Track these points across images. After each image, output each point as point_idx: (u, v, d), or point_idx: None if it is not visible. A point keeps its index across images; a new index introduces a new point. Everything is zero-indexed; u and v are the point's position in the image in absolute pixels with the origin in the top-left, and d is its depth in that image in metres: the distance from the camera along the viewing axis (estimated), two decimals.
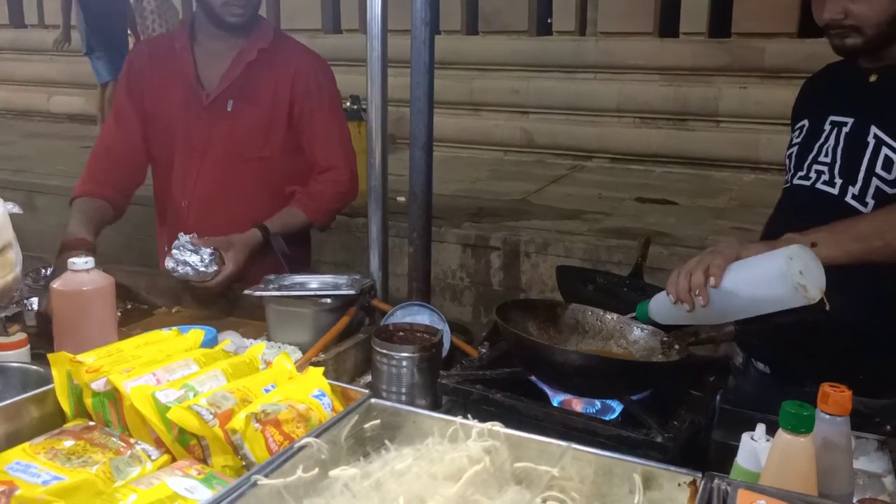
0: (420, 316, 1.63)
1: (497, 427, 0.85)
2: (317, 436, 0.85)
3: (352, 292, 1.61)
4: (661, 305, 1.43)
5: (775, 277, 1.21)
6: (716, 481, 0.77)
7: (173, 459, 0.94)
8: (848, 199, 1.51)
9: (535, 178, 5.95)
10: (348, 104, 4.45)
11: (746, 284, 1.26)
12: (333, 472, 0.80)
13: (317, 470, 0.81)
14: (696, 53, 6.44)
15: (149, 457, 0.90)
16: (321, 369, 1.04)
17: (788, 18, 6.18)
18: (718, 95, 6.32)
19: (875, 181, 1.49)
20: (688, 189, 5.65)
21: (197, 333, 1.15)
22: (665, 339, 1.47)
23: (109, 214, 2.03)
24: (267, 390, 0.98)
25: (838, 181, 1.53)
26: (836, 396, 1.02)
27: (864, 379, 1.51)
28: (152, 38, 2.09)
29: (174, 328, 1.20)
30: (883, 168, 1.48)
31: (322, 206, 2.01)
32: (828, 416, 1.02)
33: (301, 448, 0.83)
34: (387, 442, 0.89)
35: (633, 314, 1.51)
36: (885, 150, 1.47)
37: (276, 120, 1.99)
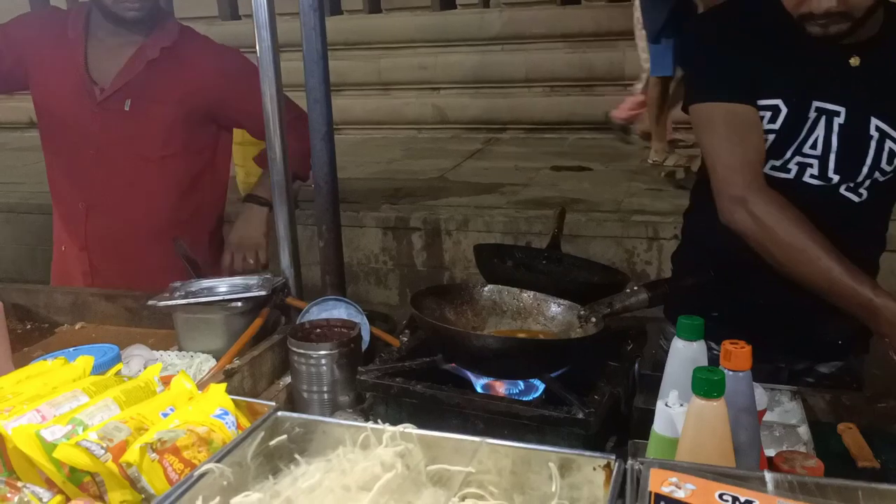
0: (336, 310, 1.60)
1: (409, 429, 0.83)
2: (220, 459, 0.81)
3: (263, 293, 1.56)
4: None
5: None
6: (629, 462, 0.78)
7: (67, 499, 0.87)
8: (841, 190, 1.45)
9: (451, 154, 5.93)
10: None
11: None
12: (235, 500, 0.76)
13: (218, 499, 0.77)
14: (597, 19, 6.51)
15: (40, 500, 0.83)
16: (223, 386, 0.99)
17: None
18: (623, 59, 6.42)
19: (876, 174, 1.43)
20: (600, 154, 5.74)
21: (86, 360, 1.08)
22: (582, 312, 1.48)
23: None
24: (165, 415, 0.93)
25: (833, 177, 1.44)
26: (737, 353, 1.06)
27: (825, 345, 1.56)
28: (44, 14, 1.95)
29: (60, 356, 1.13)
30: (886, 162, 1.41)
31: (296, 155, 1.88)
32: (731, 373, 1.06)
33: (202, 475, 0.79)
34: (297, 456, 0.86)
35: None
36: (888, 144, 1.39)
37: (182, 119, 1.91)
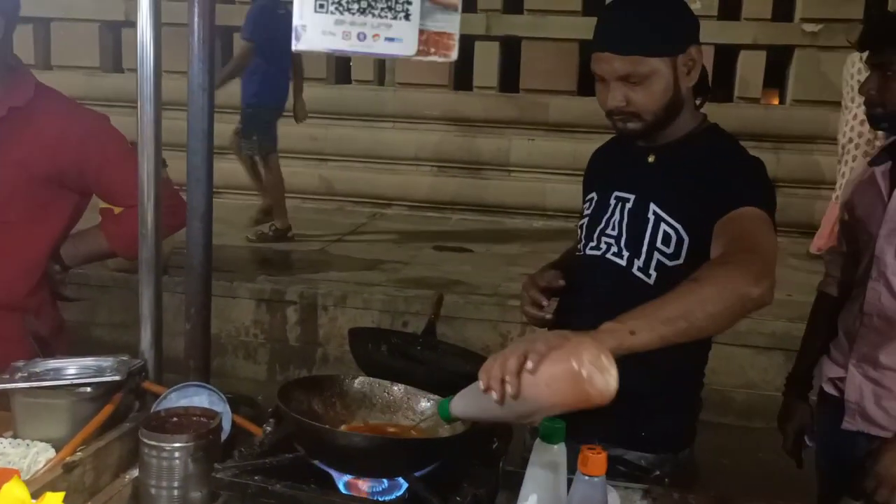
0: (198, 397, 1.52)
1: None
2: None
3: (117, 377, 1.46)
4: (467, 400, 1.27)
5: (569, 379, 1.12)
6: None
7: None
8: (634, 270, 1.61)
9: (334, 226, 5.92)
10: None
11: (549, 381, 1.12)
12: None
13: None
14: (487, 107, 6.79)
15: None
16: (60, 496, 0.91)
17: (569, 78, 6.71)
18: (509, 146, 6.69)
19: (656, 255, 1.59)
20: (482, 236, 5.89)
21: None
22: None
23: None
24: None
25: (625, 253, 1.63)
26: (593, 459, 1.10)
27: (645, 436, 1.64)
28: None
29: None
30: (662, 243, 1.59)
31: (131, 232, 1.80)
32: (586, 478, 1.10)
33: None
34: None
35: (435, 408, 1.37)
36: (663, 226, 1.58)
37: (25, 183, 1.78)
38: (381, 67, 7.09)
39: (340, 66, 7.28)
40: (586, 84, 6.70)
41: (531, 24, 6.76)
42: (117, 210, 1.92)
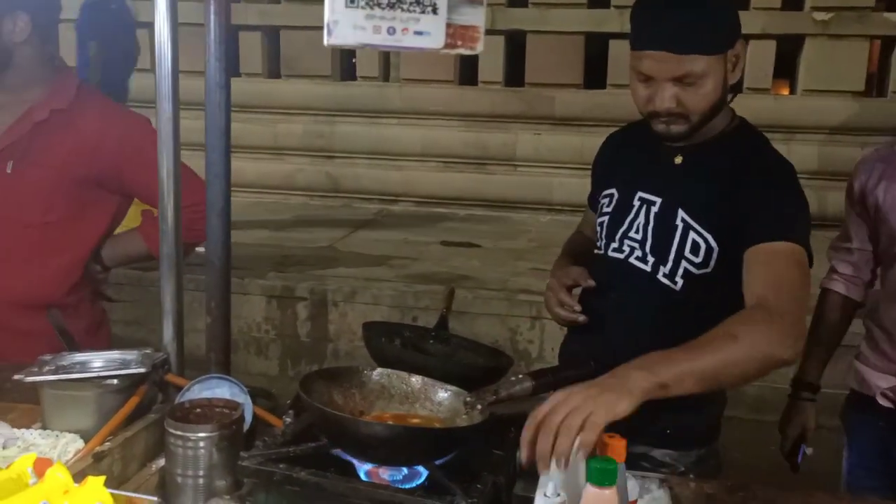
0: (220, 389, 1.54)
1: None
2: None
3: (142, 370, 1.49)
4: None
5: None
6: None
7: None
8: (659, 276, 1.57)
9: (342, 223, 5.94)
10: None
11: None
12: None
13: None
14: (493, 101, 6.80)
15: None
16: (102, 479, 0.94)
17: (575, 71, 6.71)
18: (515, 141, 6.70)
19: (684, 263, 1.55)
20: (490, 231, 5.90)
21: None
22: (468, 399, 1.50)
23: None
24: None
25: (650, 259, 1.58)
26: (613, 445, 1.12)
27: (671, 433, 1.62)
28: None
29: None
30: (691, 251, 1.54)
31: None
32: None
33: None
34: None
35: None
36: (692, 235, 1.53)
37: (67, 184, 1.82)
38: (386, 63, 7.11)
39: (345, 63, 7.30)
40: (592, 77, 6.71)
41: (536, 18, 6.76)
42: (157, 212, 1.94)
